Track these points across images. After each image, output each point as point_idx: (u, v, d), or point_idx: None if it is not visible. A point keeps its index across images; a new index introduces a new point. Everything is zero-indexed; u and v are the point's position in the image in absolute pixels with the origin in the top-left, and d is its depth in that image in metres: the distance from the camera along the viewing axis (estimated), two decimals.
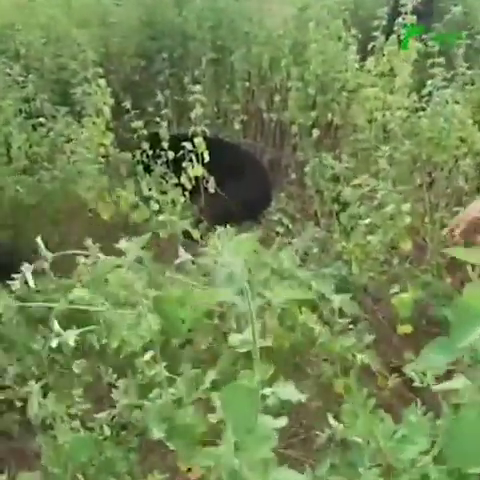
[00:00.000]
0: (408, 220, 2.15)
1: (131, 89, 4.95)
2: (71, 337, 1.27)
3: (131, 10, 5.50)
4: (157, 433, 1.28)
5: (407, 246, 2.19)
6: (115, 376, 1.52)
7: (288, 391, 1.07)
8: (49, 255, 1.48)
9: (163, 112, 3.76)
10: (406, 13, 3.49)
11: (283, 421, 1.04)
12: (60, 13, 5.33)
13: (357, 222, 2.26)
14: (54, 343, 1.23)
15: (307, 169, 3.56)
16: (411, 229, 2.98)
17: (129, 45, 5.17)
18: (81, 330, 1.33)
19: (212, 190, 3.34)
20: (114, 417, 1.49)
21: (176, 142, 3.38)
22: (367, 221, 2.19)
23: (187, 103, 4.50)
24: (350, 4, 5.05)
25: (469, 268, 1.86)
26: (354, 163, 3.23)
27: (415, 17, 3.46)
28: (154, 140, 3.59)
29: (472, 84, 3.54)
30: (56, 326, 1.25)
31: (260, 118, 4.76)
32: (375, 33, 3.92)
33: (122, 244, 1.44)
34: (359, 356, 1.71)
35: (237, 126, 4.68)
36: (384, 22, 3.87)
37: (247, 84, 4.77)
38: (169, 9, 5.45)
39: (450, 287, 2.39)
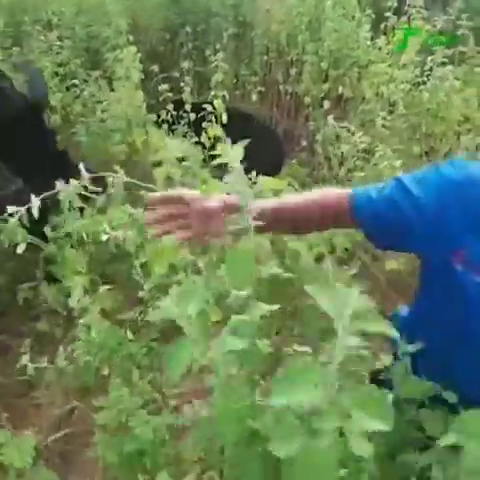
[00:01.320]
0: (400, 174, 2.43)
1: (157, 60, 5.26)
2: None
3: None
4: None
5: None
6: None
7: None
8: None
9: (186, 79, 4.03)
10: None
11: None
12: None
13: (353, 174, 2.56)
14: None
15: (318, 137, 3.85)
16: None
17: (156, 18, 5.45)
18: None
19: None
20: (141, 313, 1.82)
21: (197, 108, 3.68)
22: (362, 174, 2.49)
23: (208, 74, 4.82)
24: None
25: None
26: (361, 131, 3.50)
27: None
28: (177, 105, 3.90)
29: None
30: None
31: (276, 90, 5.03)
32: (387, 13, 4.20)
33: None
34: None
35: (255, 97, 4.96)
36: (396, 3, 4.14)
37: (265, 58, 5.05)
38: None
39: None
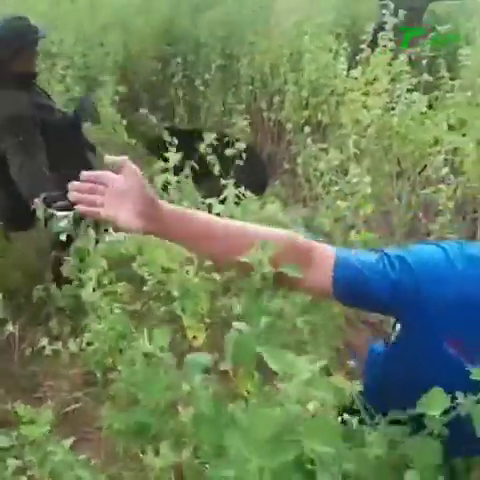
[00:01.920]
0: (369, 189, 2.77)
1: (148, 88, 5.63)
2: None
3: (150, 18, 6.16)
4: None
5: (368, 210, 2.80)
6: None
7: None
8: None
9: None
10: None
11: None
12: (86, 17, 5.99)
13: (329, 189, 2.89)
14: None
15: (299, 160, 4.18)
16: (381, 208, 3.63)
17: (148, 49, 5.83)
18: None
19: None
20: (145, 304, 2.11)
21: (187, 135, 4.01)
22: (336, 188, 2.82)
23: (198, 102, 5.18)
24: (345, 19, 5.74)
25: None
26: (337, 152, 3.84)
27: (392, 33, 4.08)
28: (170, 132, 4.22)
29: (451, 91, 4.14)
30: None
31: (261, 117, 5.39)
32: (362, 46, 4.58)
33: None
34: None
35: (240, 124, 5.32)
36: (370, 37, 4.52)
37: (250, 87, 5.44)
38: (184, 19, 6.12)
39: None
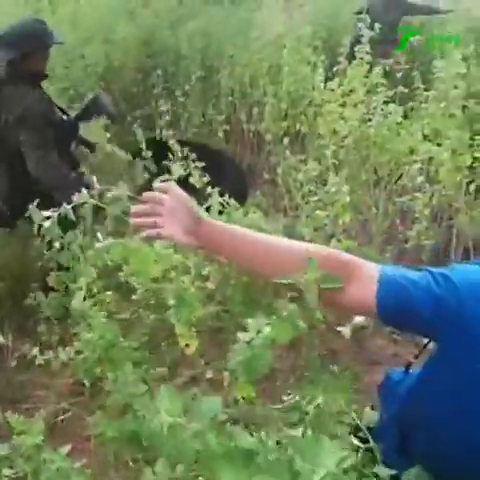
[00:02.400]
0: (347, 198, 2.86)
1: (129, 99, 5.70)
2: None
3: (131, 30, 6.22)
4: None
5: (346, 219, 2.89)
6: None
7: None
8: None
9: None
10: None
11: None
12: (67, 29, 6.03)
13: (308, 199, 2.98)
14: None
15: (278, 171, 4.27)
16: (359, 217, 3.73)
17: (128, 61, 5.89)
18: None
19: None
20: (134, 312, 2.17)
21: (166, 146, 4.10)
22: (316, 198, 2.91)
23: (178, 113, 5.25)
24: (323, 32, 5.86)
25: None
26: (316, 163, 3.93)
27: (368, 46, 4.19)
28: (150, 142, 4.30)
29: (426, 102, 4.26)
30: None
31: (240, 128, 5.50)
32: (339, 58, 4.70)
33: None
34: None
35: (220, 134, 5.41)
36: (347, 50, 4.65)
37: (230, 99, 5.52)
38: (164, 31, 6.19)
39: None
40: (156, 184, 1.28)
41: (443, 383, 1.10)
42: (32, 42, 3.15)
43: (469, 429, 0.94)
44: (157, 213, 1.23)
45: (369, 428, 1.12)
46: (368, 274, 1.12)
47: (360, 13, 5.00)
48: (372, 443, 1.07)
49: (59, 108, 3.42)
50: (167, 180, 1.71)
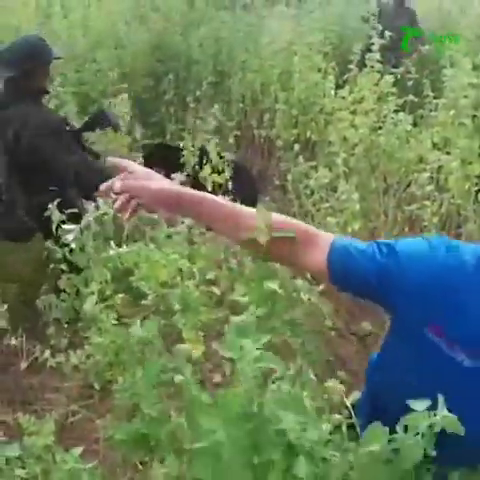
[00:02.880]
0: (357, 206, 2.89)
1: (141, 105, 5.73)
2: None
3: (142, 35, 6.27)
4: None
5: (356, 226, 2.91)
6: None
7: None
8: None
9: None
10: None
11: None
12: (78, 34, 6.09)
13: (319, 206, 3.00)
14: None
15: (288, 177, 4.29)
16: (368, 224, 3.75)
17: (140, 66, 5.93)
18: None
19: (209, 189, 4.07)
20: (145, 318, 2.19)
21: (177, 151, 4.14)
22: (326, 205, 2.93)
23: (188, 119, 5.29)
24: (335, 39, 5.88)
25: None
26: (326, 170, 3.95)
27: (378, 54, 4.21)
28: (160, 148, 4.35)
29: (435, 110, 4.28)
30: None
31: (251, 134, 5.52)
32: (350, 66, 4.72)
33: None
34: None
35: (231, 140, 5.44)
36: (357, 57, 4.67)
37: (241, 105, 5.56)
38: (176, 36, 6.24)
39: None
40: (110, 160, 1.35)
41: (398, 349, 1.21)
42: (33, 60, 3.20)
43: (425, 391, 0.97)
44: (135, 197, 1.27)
45: (353, 406, 1.17)
46: (324, 240, 1.22)
47: (368, 20, 5.03)
48: (354, 419, 1.11)
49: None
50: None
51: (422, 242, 1.18)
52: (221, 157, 3.84)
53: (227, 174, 3.76)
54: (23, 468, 1.80)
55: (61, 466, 1.58)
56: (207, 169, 3.72)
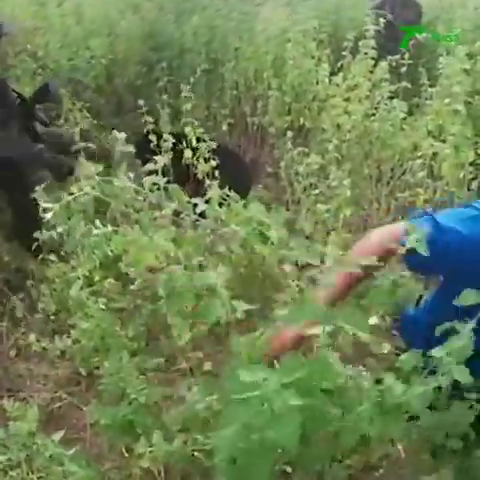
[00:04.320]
0: (348, 192, 2.85)
1: (134, 92, 5.69)
2: None
3: (135, 23, 6.22)
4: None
5: (347, 213, 2.88)
6: None
7: None
8: None
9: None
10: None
11: None
12: (72, 21, 6.04)
13: (310, 192, 2.97)
14: None
15: (281, 164, 4.25)
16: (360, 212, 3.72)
17: (133, 54, 5.87)
18: None
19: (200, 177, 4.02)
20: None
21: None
22: (317, 191, 2.90)
23: (182, 106, 5.23)
24: (329, 27, 5.83)
25: None
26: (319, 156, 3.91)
27: (373, 41, 4.17)
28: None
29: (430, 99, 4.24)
30: None
31: (244, 121, 5.47)
32: (344, 52, 4.67)
33: None
34: None
35: (224, 128, 5.39)
36: (351, 44, 4.62)
37: (234, 92, 5.50)
38: (169, 24, 6.17)
39: None
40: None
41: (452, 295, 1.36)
42: None
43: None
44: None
45: None
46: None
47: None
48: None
49: (14, 91, 3.49)
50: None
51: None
52: (200, 141, 3.78)
53: (212, 161, 3.69)
54: (4, 454, 1.77)
55: (42, 452, 1.56)
56: (188, 152, 3.66)
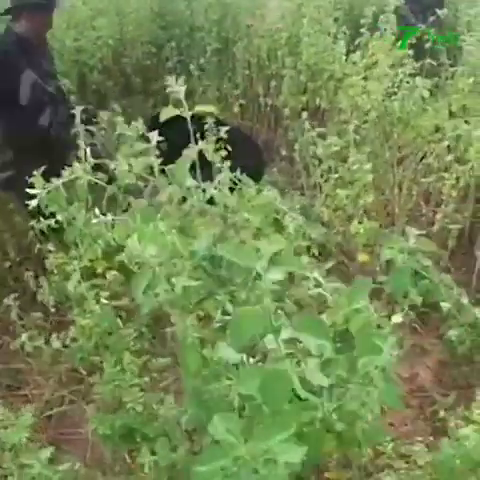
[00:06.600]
0: (370, 177, 2.64)
1: (142, 73, 5.49)
2: None
3: (144, 1, 5.98)
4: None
5: (368, 199, 2.67)
6: None
7: None
8: None
9: None
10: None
11: None
12: (78, 1, 5.81)
13: (328, 176, 2.76)
14: None
15: (296, 147, 4.04)
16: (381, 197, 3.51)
17: (142, 33, 5.66)
18: None
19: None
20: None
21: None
22: (336, 175, 2.69)
23: (192, 87, 5.03)
24: (345, 4, 5.59)
25: None
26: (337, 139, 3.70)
27: (394, 16, 3.94)
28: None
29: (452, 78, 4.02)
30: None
31: (257, 102, 5.26)
32: (362, 29, 4.43)
33: None
34: None
35: (236, 109, 5.18)
36: (370, 20, 4.38)
37: (247, 72, 5.28)
38: (179, 1, 5.94)
39: None
40: None
41: None
42: None
43: None
44: None
45: None
46: None
47: None
48: None
49: None
50: None
51: None
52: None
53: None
54: None
55: (29, 471, 1.39)
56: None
